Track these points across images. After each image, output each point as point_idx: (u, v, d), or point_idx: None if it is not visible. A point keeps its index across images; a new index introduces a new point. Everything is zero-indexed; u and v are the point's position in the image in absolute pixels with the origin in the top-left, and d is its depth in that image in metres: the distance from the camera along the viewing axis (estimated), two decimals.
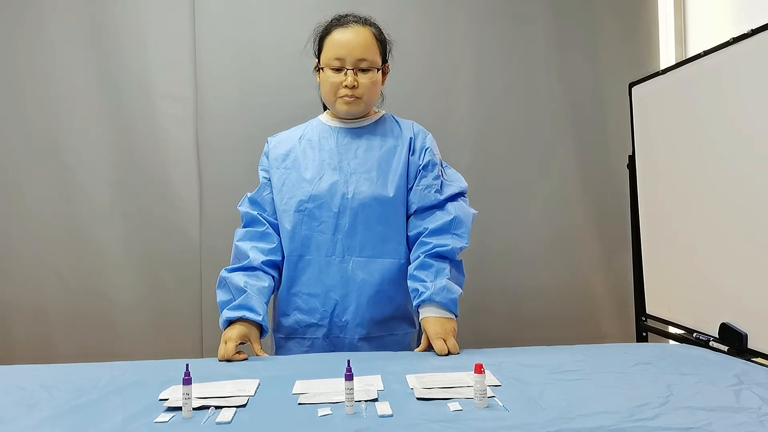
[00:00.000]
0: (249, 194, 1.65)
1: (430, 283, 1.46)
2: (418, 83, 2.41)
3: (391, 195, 1.54)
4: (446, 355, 1.36)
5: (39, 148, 2.35)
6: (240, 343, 1.41)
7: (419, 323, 1.52)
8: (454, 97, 2.45)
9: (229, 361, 1.36)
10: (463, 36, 2.46)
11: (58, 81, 2.34)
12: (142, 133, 2.37)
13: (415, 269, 1.49)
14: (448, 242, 1.51)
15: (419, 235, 1.54)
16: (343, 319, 1.54)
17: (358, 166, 1.56)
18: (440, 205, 1.57)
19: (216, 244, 2.33)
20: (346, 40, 1.52)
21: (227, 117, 2.37)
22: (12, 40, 2.34)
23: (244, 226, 1.62)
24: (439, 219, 1.54)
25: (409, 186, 1.57)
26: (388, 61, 1.64)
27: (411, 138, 1.60)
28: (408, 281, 1.51)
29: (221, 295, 1.52)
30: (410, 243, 1.57)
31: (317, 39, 1.60)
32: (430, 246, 1.50)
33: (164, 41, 2.37)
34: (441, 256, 1.50)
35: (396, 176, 1.56)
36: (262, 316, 1.45)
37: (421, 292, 1.45)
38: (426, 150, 1.60)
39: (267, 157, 1.65)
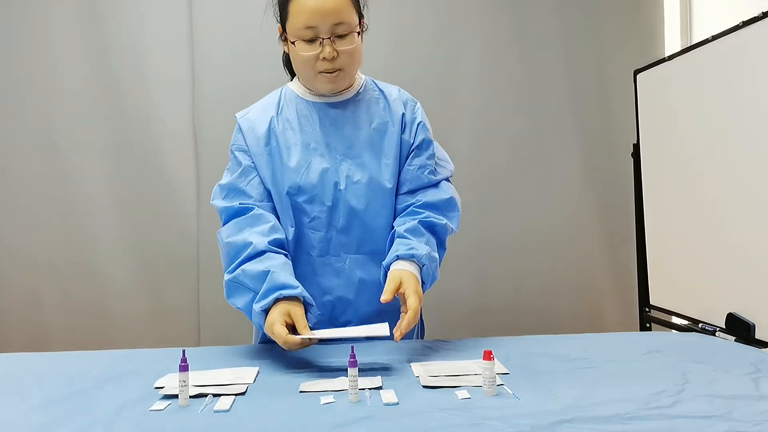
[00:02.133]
0: (221, 182, 1.37)
1: (423, 247, 1.28)
2: (421, 70, 2.38)
3: (390, 186, 1.35)
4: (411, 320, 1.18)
5: (33, 135, 2.31)
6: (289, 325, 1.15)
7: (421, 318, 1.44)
8: (457, 83, 2.42)
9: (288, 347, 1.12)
10: (467, 20, 2.42)
11: (52, 68, 2.30)
12: (138, 121, 2.33)
13: (405, 230, 1.31)
14: (443, 218, 1.35)
15: (411, 206, 1.36)
16: (341, 321, 1.37)
17: (347, 149, 1.36)
18: (435, 185, 1.40)
19: (213, 234, 2.27)
20: (316, 3, 1.26)
21: (224, 103, 2.32)
22: (4, 27, 2.29)
23: (225, 223, 1.34)
24: (434, 195, 1.37)
25: (401, 168, 1.39)
26: (364, 16, 1.36)
27: (403, 114, 1.40)
28: (395, 239, 1.31)
29: (239, 300, 1.24)
30: (397, 215, 1.38)
31: (279, 2, 1.35)
32: (424, 215, 1.34)
33: (161, 27, 2.33)
34: (433, 232, 1.34)
35: (390, 160, 1.36)
36: (299, 287, 1.19)
37: (411, 247, 1.26)
38: (419, 126, 1.40)
39: (244, 138, 1.37)
